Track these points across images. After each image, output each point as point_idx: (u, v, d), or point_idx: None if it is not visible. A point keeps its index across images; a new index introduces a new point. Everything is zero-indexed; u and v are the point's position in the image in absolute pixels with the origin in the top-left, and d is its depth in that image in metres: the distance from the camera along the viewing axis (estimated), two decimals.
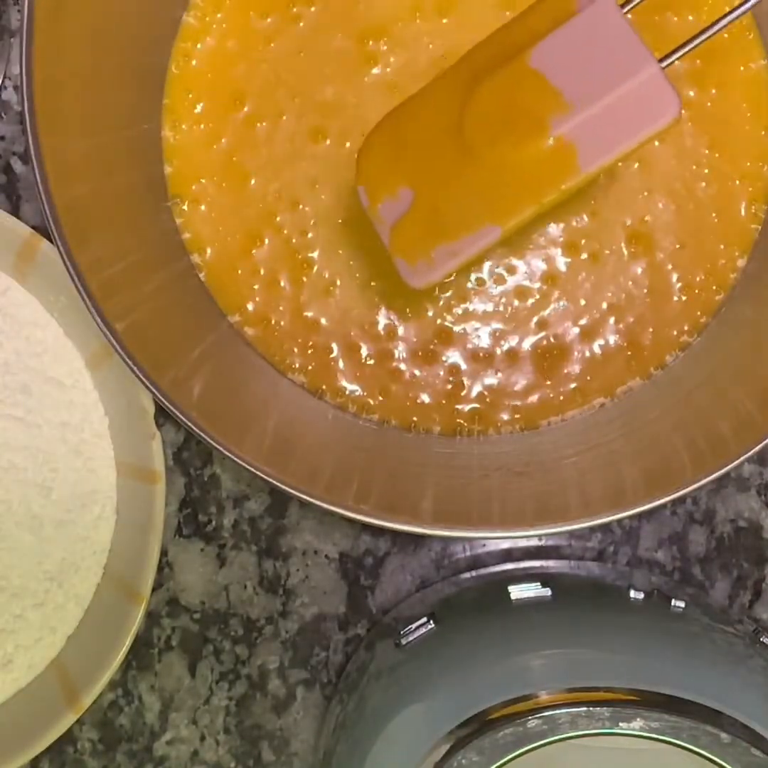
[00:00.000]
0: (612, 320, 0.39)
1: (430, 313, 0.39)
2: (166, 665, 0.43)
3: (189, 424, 0.32)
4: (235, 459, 0.32)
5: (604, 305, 0.39)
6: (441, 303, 0.39)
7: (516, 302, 0.39)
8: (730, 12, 0.31)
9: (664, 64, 0.31)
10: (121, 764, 0.43)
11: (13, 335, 0.40)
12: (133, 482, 0.40)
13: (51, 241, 0.33)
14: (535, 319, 0.39)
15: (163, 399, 0.32)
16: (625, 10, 0.31)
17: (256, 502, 0.43)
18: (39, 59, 0.31)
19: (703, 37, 0.32)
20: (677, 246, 0.39)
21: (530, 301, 0.39)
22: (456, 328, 0.39)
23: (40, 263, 0.40)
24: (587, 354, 0.39)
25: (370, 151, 0.34)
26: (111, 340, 0.32)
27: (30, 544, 0.40)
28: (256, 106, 0.39)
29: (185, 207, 0.39)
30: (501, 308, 0.39)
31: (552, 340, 0.39)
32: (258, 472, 0.32)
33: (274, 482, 0.33)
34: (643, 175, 0.39)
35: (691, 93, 0.39)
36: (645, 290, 0.39)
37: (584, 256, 0.39)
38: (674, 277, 0.39)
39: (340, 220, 0.39)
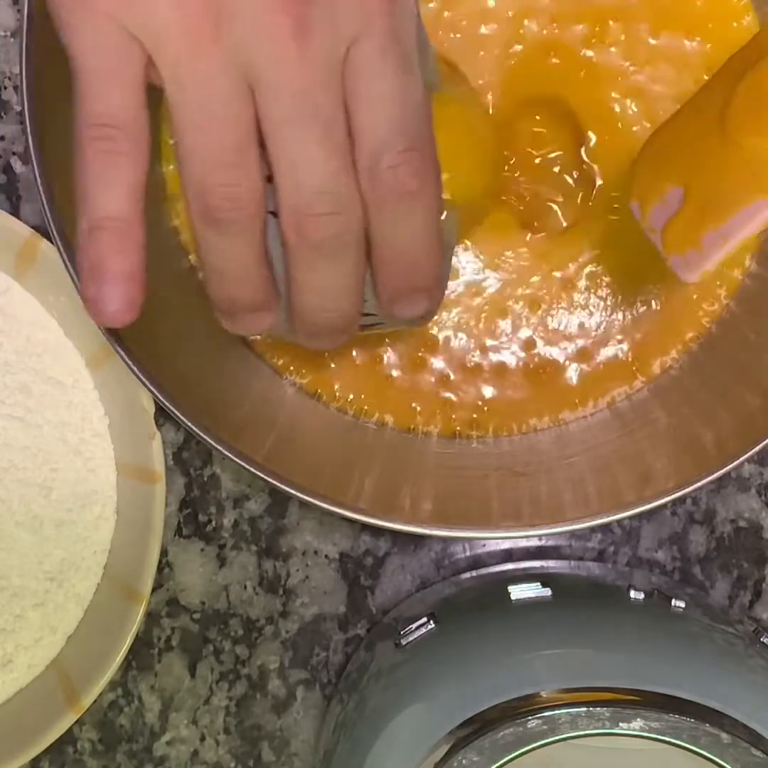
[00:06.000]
0: (618, 337, 0.39)
1: None
2: (166, 665, 0.43)
3: (189, 424, 0.32)
4: (235, 459, 0.32)
5: (615, 327, 0.39)
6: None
7: (518, 308, 0.39)
8: None
9: None
10: (121, 764, 0.43)
11: (13, 335, 0.40)
12: (133, 482, 0.40)
13: (51, 241, 0.33)
14: (532, 335, 0.39)
15: (163, 399, 0.32)
16: None
17: (256, 502, 0.43)
18: (39, 59, 0.31)
19: None
20: None
21: (533, 318, 0.39)
22: (440, 336, 0.39)
23: (40, 263, 0.40)
24: (588, 369, 0.39)
25: (641, 169, 0.35)
26: (111, 340, 0.32)
27: (30, 544, 0.40)
28: None
29: (182, 207, 0.39)
30: (491, 324, 0.39)
31: (549, 356, 0.39)
32: (258, 472, 0.32)
33: (274, 482, 0.33)
34: None
35: (705, 77, 0.38)
36: (659, 307, 0.39)
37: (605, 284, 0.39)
38: (689, 286, 0.39)
39: None
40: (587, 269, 0.39)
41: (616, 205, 0.39)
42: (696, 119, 0.34)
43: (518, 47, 0.38)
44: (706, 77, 0.38)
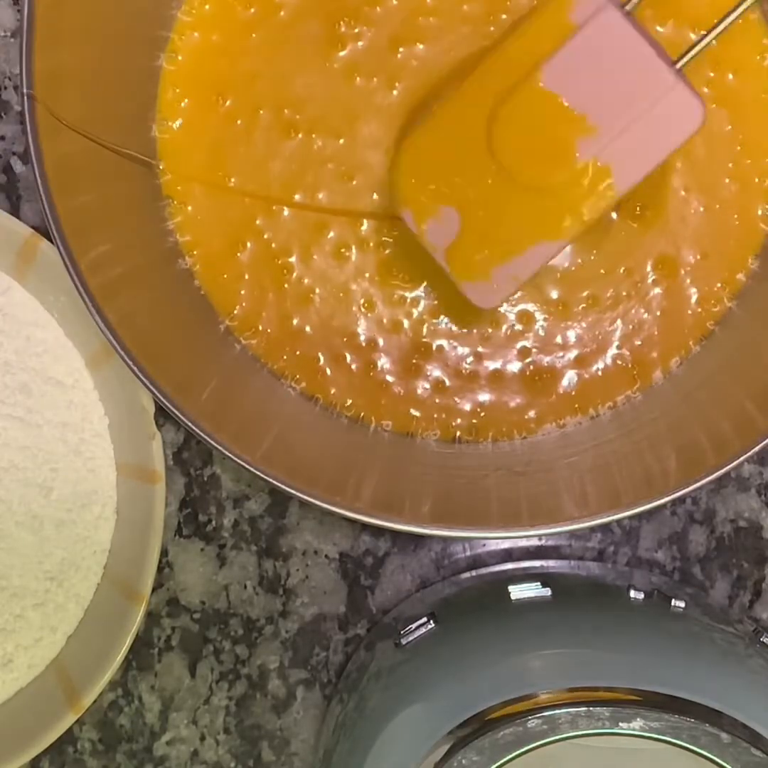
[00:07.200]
0: (616, 345, 0.39)
1: (406, 325, 0.39)
2: (166, 665, 0.43)
3: (189, 424, 0.32)
4: (235, 459, 0.32)
5: (617, 334, 0.39)
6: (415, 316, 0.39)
7: (513, 317, 0.39)
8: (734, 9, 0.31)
9: (679, 65, 0.30)
10: (121, 764, 0.43)
11: (13, 335, 0.40)
12: (133, 482, 0.40)
13: (51, 241, 0.33)
14: (525, 343, 0.39)
15: (163, 399, 0.32)
16: (628, 6, 0.30)
17: (256, 502, 0.43)
18: (39, 59, 0.31)
19: (713, 33, 0.31)
20: (699, 257, 0.38)
21: (528, 326, 0.39)
22: (434, 344, 0.39)
23: (40, 263, 0.40)
24: (586, 376, 0.39)
25: (404, 172, 0.33)
26: (111, 340, 0.32)
27: (30, 544, 0.40)
28: (236, 101, 0.38)
29: (175, 208, 0.39)
30: (486, 331, 0.39)
31: (545, 364, 0.39)
32: (258, 472, 0.32)
33: (274, 482, 0.33)
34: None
35: (712, 74, 0.37)
36: (659, 312, 0.39)
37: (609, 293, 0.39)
38: (692, 290, 0.39)
39: (313, 223, 0.38)
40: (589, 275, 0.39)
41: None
42: (463, 125, 0.32)
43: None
44: (711, 75, 0.38)
